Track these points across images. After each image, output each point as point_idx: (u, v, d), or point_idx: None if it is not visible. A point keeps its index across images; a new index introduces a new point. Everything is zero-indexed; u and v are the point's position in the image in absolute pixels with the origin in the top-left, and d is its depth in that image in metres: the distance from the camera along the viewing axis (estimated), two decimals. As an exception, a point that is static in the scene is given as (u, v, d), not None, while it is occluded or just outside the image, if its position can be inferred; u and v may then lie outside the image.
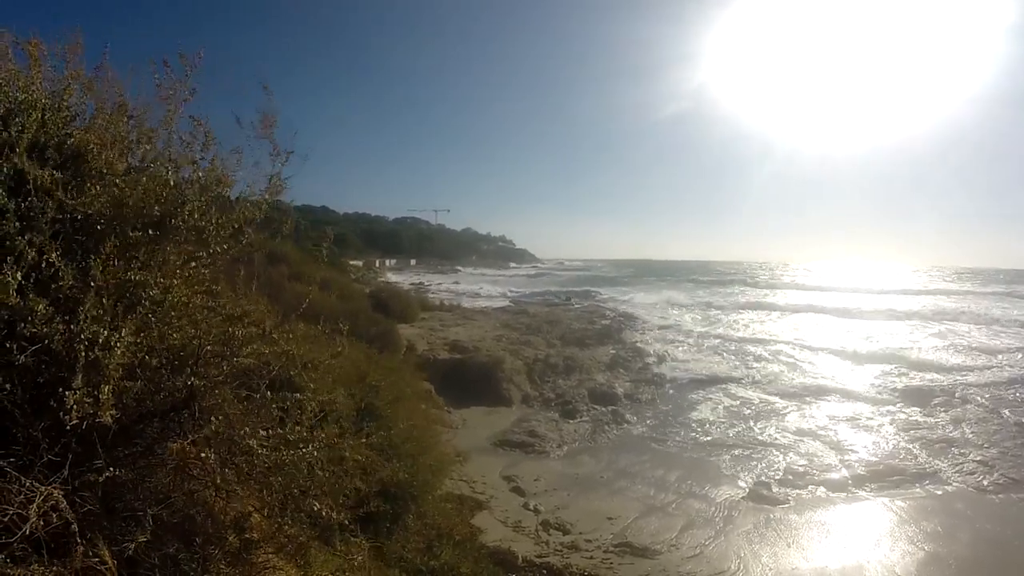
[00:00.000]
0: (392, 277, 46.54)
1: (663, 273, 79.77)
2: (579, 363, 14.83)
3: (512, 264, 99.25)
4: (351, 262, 47.48)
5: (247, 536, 2.46)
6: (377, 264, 62.21)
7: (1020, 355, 18.94)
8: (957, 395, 13.80)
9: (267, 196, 2.79)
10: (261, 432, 2.39)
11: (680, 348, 19.14)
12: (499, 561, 6.28)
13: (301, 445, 2.51)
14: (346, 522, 3.87)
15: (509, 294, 37.17)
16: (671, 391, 14.15)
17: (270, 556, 2.60)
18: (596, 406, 12.52)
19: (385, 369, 6.97)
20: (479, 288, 42.46)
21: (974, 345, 20.90)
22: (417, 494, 5.78)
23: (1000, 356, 18.91)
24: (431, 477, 6.32)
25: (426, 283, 43.59)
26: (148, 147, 2.60)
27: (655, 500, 8.37)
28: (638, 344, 18.74)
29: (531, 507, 8.11)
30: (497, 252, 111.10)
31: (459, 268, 73.76)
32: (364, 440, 5.20)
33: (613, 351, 16.94)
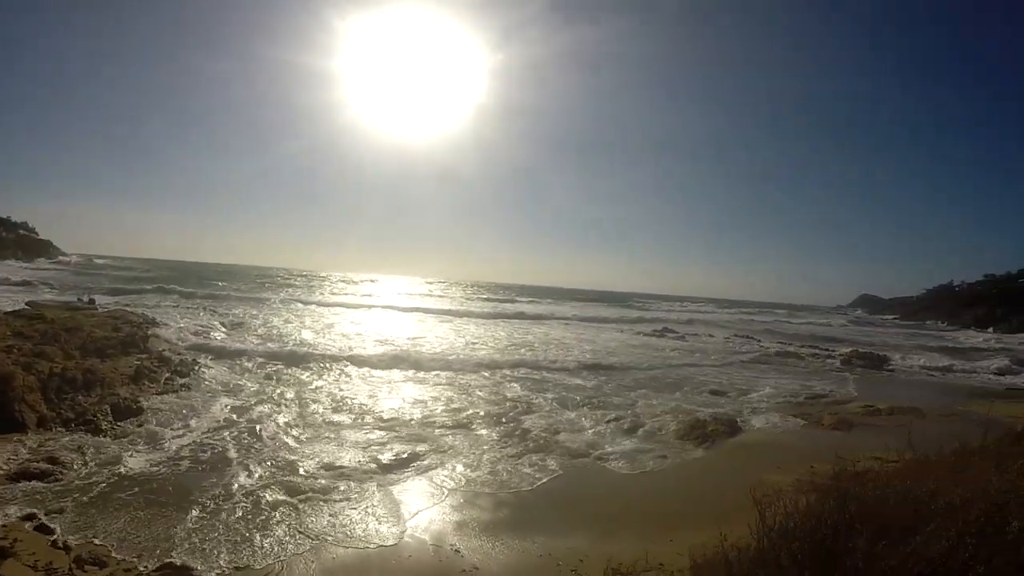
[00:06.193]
0: None
1: (206, 276, 75.49)
2: (101, 376, 13.62)
3: (41, 258, 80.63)
4: None
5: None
6: None
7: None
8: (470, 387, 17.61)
9: None
10: None
11: (206, 357, 19.05)
12: (35, 609, 5.95)
13: None
14: None
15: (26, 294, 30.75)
16: (198, 400, 14.15)
17: None
18: (119, 423, 11.89)
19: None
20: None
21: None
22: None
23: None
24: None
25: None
26: None
27: (188, 520, 8.20)
28: (164, 352, 18.05)
29: (61, 544, 7.51)
30: (18, 241, 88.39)
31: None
32: None
33: (137, 361, 15.99)
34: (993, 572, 3.87)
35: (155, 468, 9.88)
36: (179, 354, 18.48)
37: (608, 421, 14.89)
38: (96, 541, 7.69)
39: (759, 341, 42.66)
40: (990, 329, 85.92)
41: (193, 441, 11.27)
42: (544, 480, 10.55)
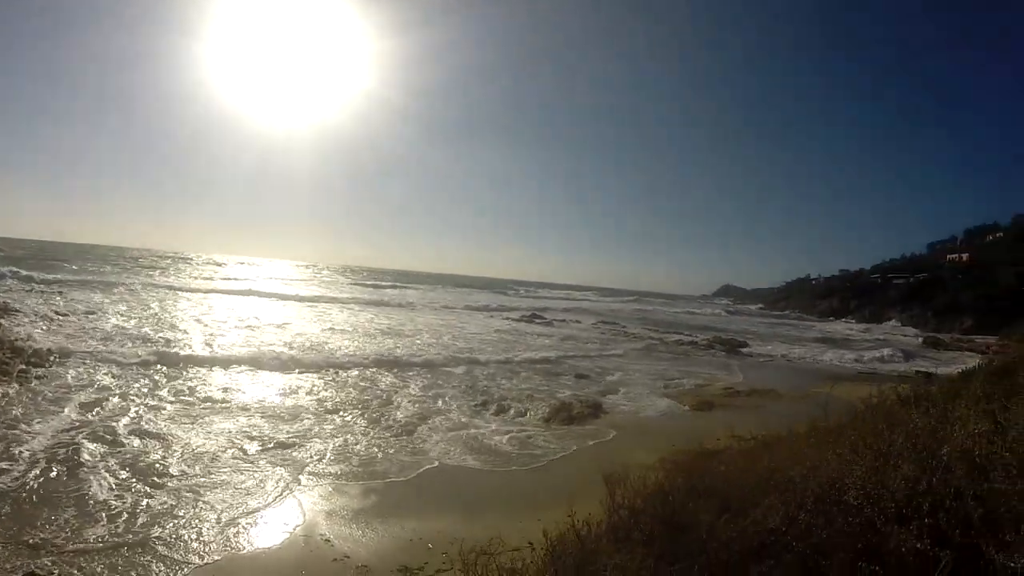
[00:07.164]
0: None
1: (62, 257, 69.76)
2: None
3: None
4: None
5: None
6: None
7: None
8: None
9: None
10: None
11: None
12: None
13: None
14: None
15: None
16: (52, 394, 13.36)
17: None
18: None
19: None
20: None
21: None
22: None
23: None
24: None
25: None
26: None
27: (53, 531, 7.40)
28: (17, 342, 16.93)
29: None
30: None
31: None
32: None
33: (-14, 352, 14.98)
34: (832, 537, 4.23)
35: (11, 474, 8.91)
36: (33, 343, 17.36)
37: (475, 407, 15.33)
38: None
39: (625, 328, 45.04)
40: (847, 319, 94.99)
41: (49, 441, 10.45)
42: (413, 467, 10.71)
